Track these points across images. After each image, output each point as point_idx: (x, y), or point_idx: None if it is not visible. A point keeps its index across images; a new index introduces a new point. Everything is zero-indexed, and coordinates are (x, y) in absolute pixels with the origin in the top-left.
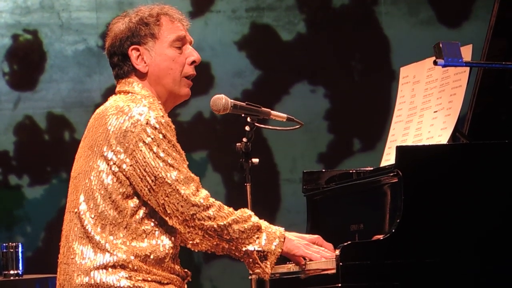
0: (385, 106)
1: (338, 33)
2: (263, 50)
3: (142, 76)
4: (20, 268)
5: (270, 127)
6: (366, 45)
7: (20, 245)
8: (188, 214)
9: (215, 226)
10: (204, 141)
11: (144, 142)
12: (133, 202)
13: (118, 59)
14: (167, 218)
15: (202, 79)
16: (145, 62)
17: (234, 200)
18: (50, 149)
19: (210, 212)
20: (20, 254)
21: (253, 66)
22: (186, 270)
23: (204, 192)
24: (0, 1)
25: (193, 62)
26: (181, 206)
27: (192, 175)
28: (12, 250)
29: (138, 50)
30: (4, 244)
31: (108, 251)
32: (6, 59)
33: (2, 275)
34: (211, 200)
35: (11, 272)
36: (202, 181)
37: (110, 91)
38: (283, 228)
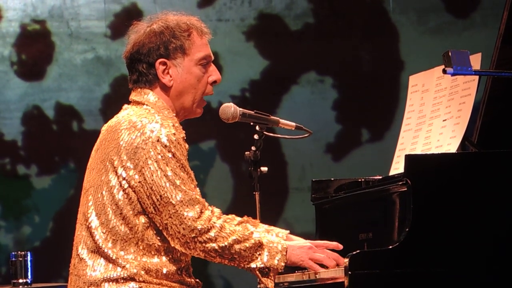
0: (394, 96)
1: (347, 25)
2: (270, 40)
3: (164, 88)
4: (29, 276)
5: (278, 135)
6: (375, 35)
7: (29, 254)
8: (189, 237)
9: (216, 247)
10: (212, 131)
11: (153, 159)
12: (144, 219)
13: (143, 67)
14: (169, 239)
15: None
16: (170, 76)
17: (242, 191)
18: (58, 139)
19: (211, 233)
20: (29, 263)
21: (261, 56)
22: (197, 280)
23: (207, 214)
24: (9, 9)
25: (214, 82)
26: (183, 229)
27: (198, 196)
28: (21, 259)
29: (165, 64)
30: (13, 253)
31: (119, 265)
32: (16, 66)
33: (11, 283)
34: (213, 220)
35: (20, 280)
36: (210, 172)
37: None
38: (288, 231)
